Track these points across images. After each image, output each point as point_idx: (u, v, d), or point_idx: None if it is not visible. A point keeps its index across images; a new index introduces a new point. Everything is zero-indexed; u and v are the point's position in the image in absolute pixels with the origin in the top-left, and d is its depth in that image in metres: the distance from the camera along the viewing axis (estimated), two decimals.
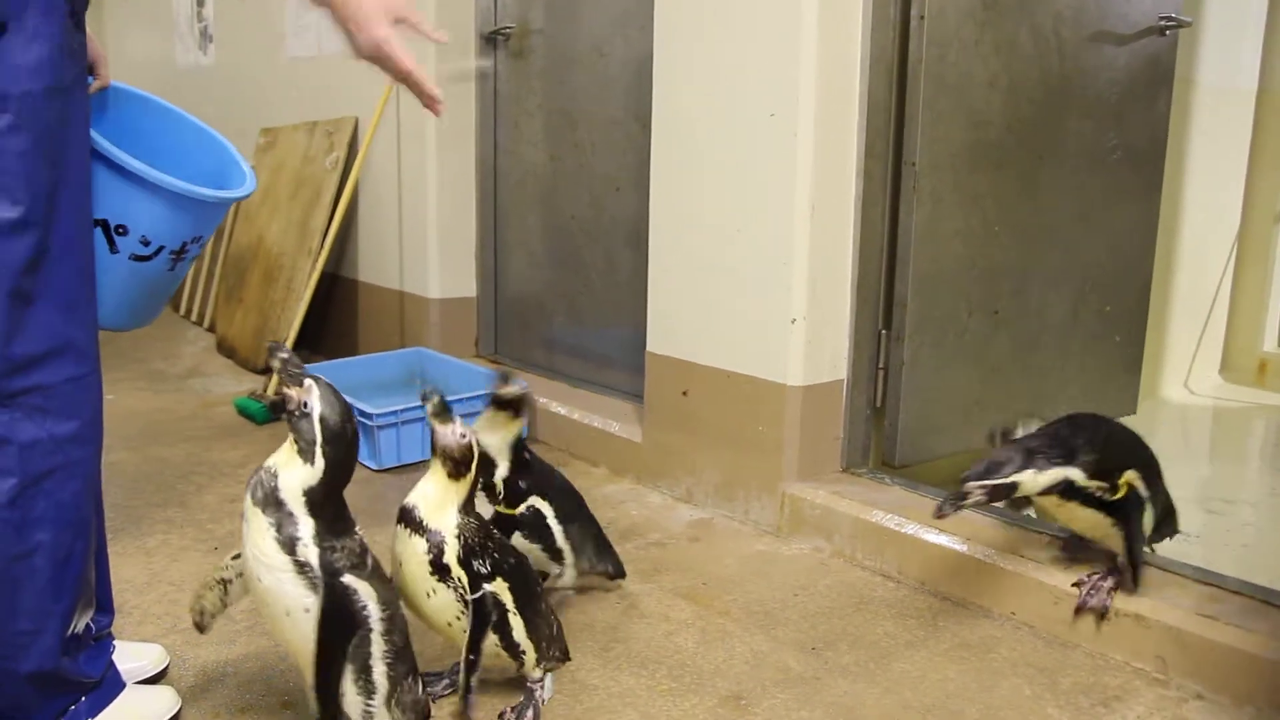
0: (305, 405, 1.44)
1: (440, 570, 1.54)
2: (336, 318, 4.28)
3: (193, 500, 2.61)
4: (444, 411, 1.58)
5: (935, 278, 2.49)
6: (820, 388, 2.45)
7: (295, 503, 1.41)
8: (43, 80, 1.32)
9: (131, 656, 1.70)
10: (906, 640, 1.95)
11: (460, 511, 1.58)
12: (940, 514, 1.78)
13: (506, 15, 3.53)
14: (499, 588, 1.59)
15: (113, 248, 1.67)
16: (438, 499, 1.57)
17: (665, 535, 2.44)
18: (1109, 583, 1.90)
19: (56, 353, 1.39)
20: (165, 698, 1.66)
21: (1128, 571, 1.90)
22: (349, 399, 2.95)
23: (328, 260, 3.83)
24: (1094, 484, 1.84)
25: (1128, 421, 2.06)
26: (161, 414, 3.46)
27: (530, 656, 1.65)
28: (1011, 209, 2.60)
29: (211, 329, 4.77)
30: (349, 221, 4.09)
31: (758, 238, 2.43)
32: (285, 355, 1.46)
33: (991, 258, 2.58)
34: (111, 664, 1.58)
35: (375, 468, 2.89)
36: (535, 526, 1.92)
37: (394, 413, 2.88)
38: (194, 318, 5.21)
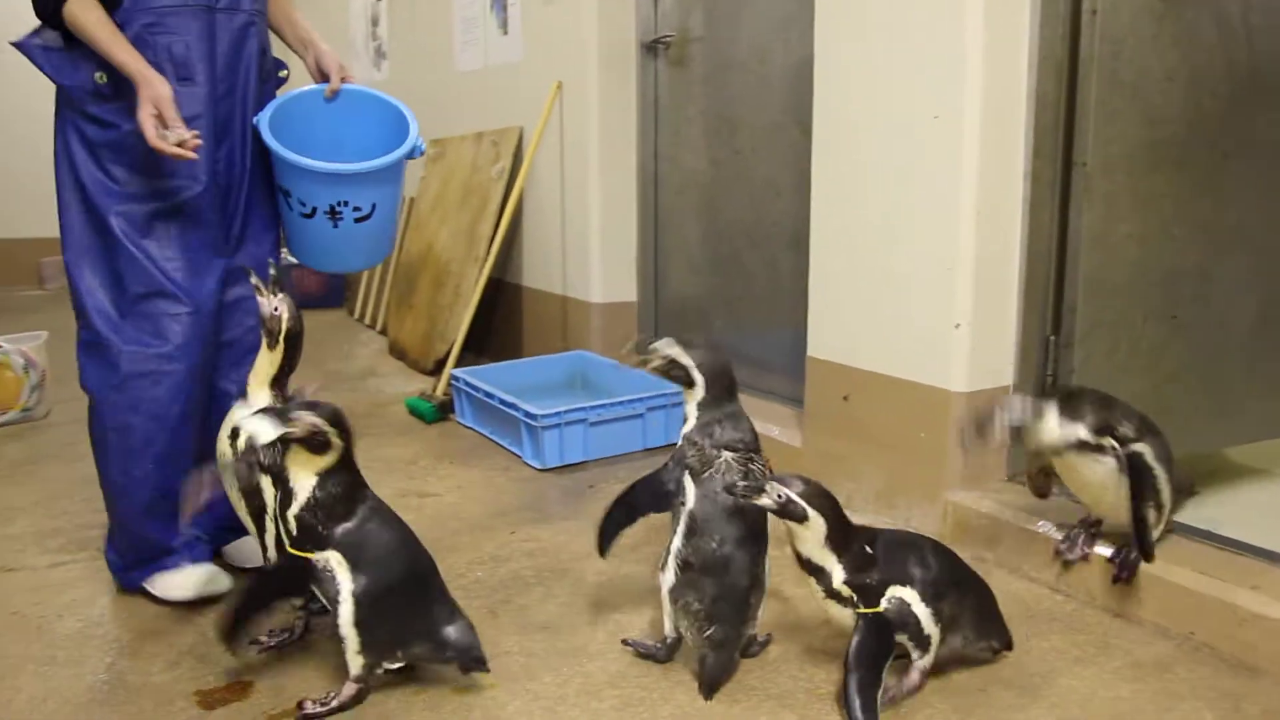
0: None
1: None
2: (502, 322, 4.42)
3: None
4: (270, 285, 1.91)
5: (1107, 282, 2.40)
6: (985, 394, 2.40)
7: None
8: None
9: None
10: (1075, 656, 1.89)
11: (271, 387, 1.90)
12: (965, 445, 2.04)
13: (667, 24, 3.58)
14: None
15: (289, 207, 2.15)
16: (262, 372, 1.92)
17: None
18: (1083, 538, 2.11)
19: (157, 294, 2.02)
20: (218, 577, 2.15)
21: (1133, 546, 1.98)
22: (513, 399, 3.05)
23: (494, 266, 3.96)
24: (1103, 440, 1.96)
25: None
26: None
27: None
28: (1192, 210, 2.47)
29: (384, 332, 4.99)
30: (514, 228, 4.22)
31: (921, 241, 2.40)
32: None
33: (1169, 261, 2.47)
34: (190, 545, 2.17)
35: (539, 467, 2.97)
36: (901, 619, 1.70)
37: (558, 414, 2.96)
38: (368, 321, 5.47)
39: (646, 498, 1.85)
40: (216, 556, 2.28)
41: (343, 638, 1.70)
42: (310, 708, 1.72)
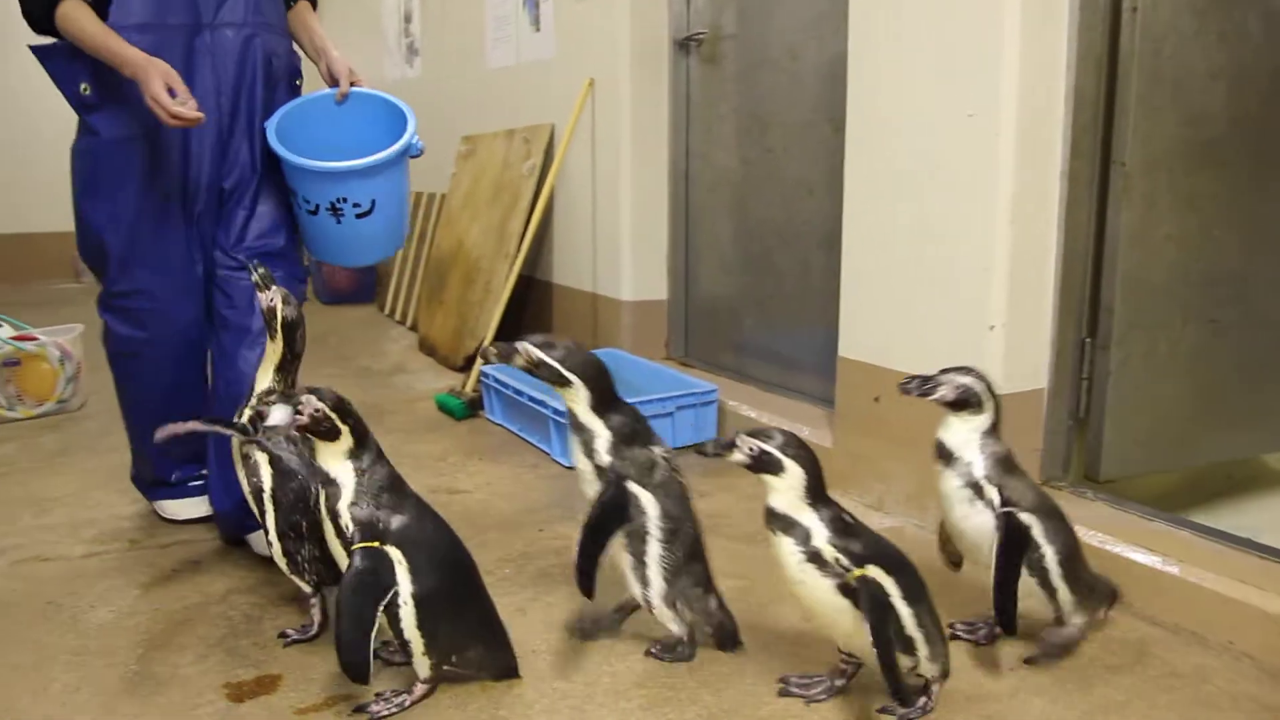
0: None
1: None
2: (532, 319, 4.43)
3: None
4: (265, 281, 2.00)
5: (1145, 284, 2.37)
6: (1019, 396, 2.37)
7: None
8: None
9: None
10: (1110, 664, 1.86)
11: (276, 373, 2.00)
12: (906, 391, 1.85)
13: (699, 21, 3.57)
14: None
15: (298, 205, 2.31)
16: (268, 360, 2.02)
17: None
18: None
19: (137, 293, 2.26)
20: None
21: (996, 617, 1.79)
22: (541, 397, 3.05)
23: (524, 263, 3.97)
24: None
25: None
26: (368, 409, 3.62)
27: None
28: (1235, 211, 2.43)
29: (414, 329, 5.01)
30: (545, 225, 4.22)
31: (955, 241, 2.37)
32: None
33: (1210, 263, 2.43)
34: (191, 480, 2.53)
35: (568, 465, 2.97)
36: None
37: None
38: (398, 317, 5.49)
39: (613, 521, 1.79)
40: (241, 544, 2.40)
41: (407, 641, 1.67)
42: (380, 709, 1.70)
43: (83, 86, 2.15)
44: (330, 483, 1.68)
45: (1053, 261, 2.36)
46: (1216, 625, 1.92)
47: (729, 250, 3.56)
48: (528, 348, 1.83)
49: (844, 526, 1.61)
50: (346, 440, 1.69)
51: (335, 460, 1.68)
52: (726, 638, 1.89)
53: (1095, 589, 1.90)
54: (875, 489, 2.63)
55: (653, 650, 1.89)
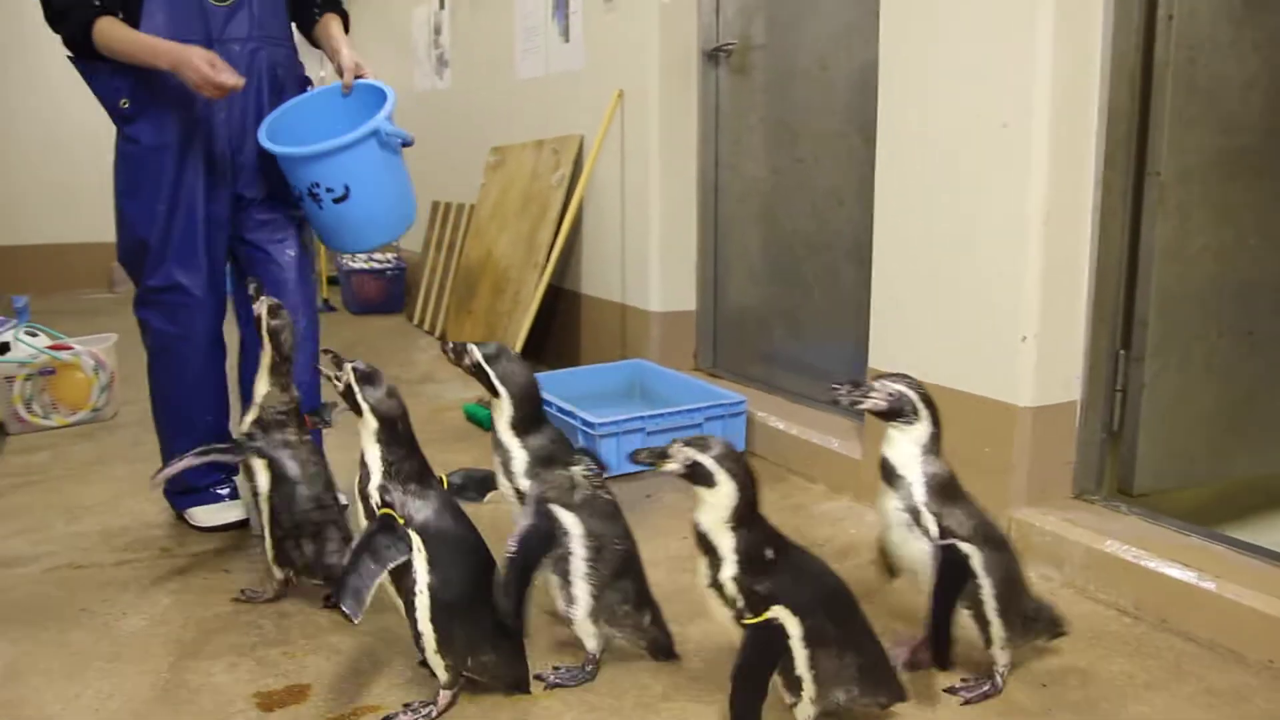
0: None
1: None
2: (560, 329, 4.43)
3: None
4: (256, 293, 2.22)
5: (1180, 295, 2.34)
6: (1052, 409, 2.35)
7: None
8: None
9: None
10: (1144, 681, 1.84)
11: (270, 374, 2.18)
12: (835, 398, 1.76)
13: (729, 31, 3.57)
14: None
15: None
16: (263, 363, 2.19)
17: None
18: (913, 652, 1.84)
19: (171, 288, 2.44)
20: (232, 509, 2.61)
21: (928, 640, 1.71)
22: (571, 408, 3.05)
23: (553, 273, 3.97)
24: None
25: None
26: None
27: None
28: (1271, 221, 2.40)
29: (443, 338, 5.03)
30: (573, 236, 4.22)
31: (987, 252, 2.35)
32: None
33: (1246, 274, 2.40)
34: (217, 486, 2.63)
35: None
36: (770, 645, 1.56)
37: (615, 422, 2.95)
38: (426, 327, 5.52)
39: (539, 551, 1.75)
40: None
41: (419, 634, 1.67)
42: (406, 718, 1.71)
43: (123, 101, 2.35)
44: (362, 465, 1.72)
45: (1086, 272, 2.34)
46: (1255, 643, 1.89)
47: (758, 261, 3.55)
48: (474, 352, 1.87)
49: (757, 562, 1.53)
50: (371, 422, 1.71)
51: (367, 444, 1.73)
52: (659, 650, 1.90)
53: (1038, 617, 1.82)
54: None
55: (549, 679, 1.83)
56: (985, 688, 1.78)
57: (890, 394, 1.72)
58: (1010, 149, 2.27)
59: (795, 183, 3.32)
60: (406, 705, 1.74)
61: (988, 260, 2.36)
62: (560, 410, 3.13)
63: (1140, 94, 2.28)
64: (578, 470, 1.82)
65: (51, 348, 3.62)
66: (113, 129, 2.43)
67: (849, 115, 3.04)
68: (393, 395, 1.76)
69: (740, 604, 1.53)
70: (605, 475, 1.87)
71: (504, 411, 1.84)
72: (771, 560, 1.54)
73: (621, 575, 1.82)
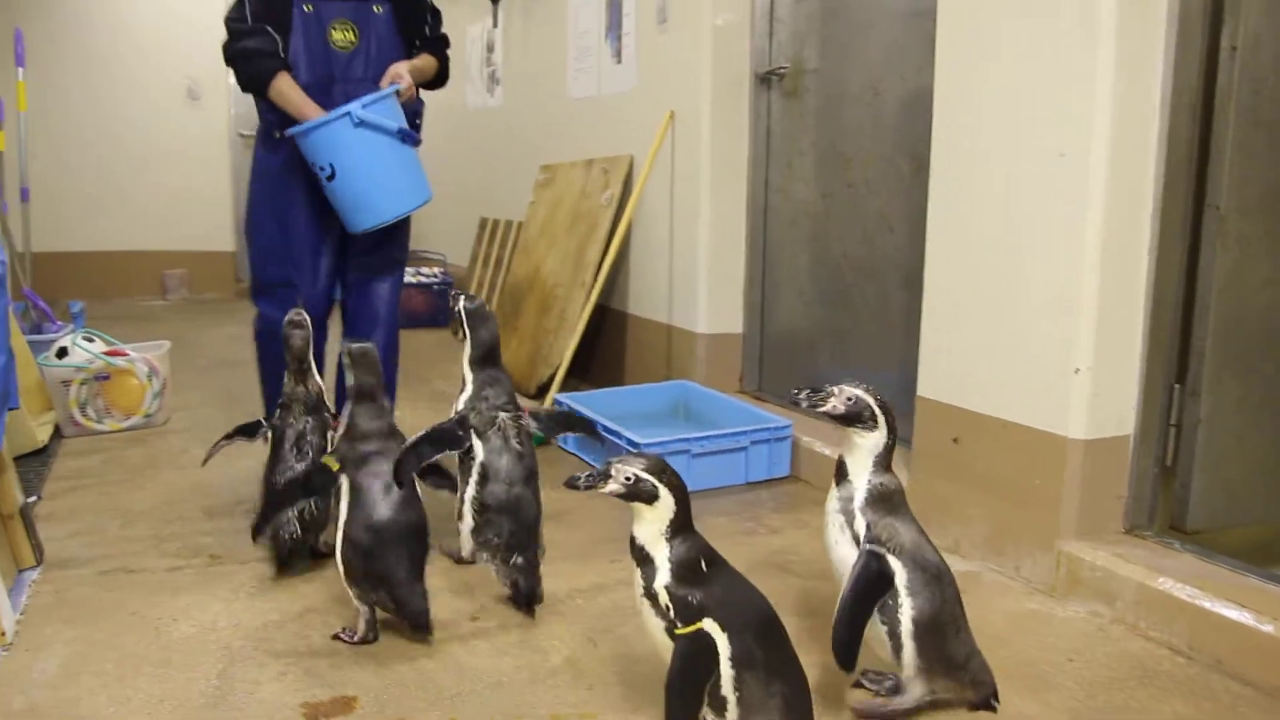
0: None
1: None
2: (606, 348, 4.44)
3: None
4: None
5: (1238, 329, 2.31)
6: (1104, 442, 2.32)
7: None
8: None
9: None
10: None
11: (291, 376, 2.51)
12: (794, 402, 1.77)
13: (781, 55, 3.58)
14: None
15: None
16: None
17: None
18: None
19: (283, 285, 2.88)
20: None
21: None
22: (615, 427, 3.06)
23: (600, 292, 3.99)
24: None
25: None
26: None
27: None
28: None
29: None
30: (621, 256, 4.24)
31: (1041, 282, 2.34)
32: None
33: None
34: None
35: None
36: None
37: (661, 444, 2.95)
38: None
39: (440, 442, 2.20)
40: None
41: (334, 550, 2.06)
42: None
43: (275, 132, 2.83)
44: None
45: (1142, 304, 2.31)
46: None
47: (806, 284, 3.54)
48: (460, 301, 2.42)
49: (690, 573, 1.56)
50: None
51: None
52: (519, 597, 2.19)
53: (965, 666, 1.76)
54: (951, 531, 2.59)
55: (448, 551, 2.42)
56: (886, 709, 1.76)
57: (849, 399, 1.74)
58: (1067, 178, 2.26)
59: (845, 207, 3.31)
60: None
61: (1042, 290, 2.34)
62: (605, 429, 3.14)
63: (1201, 126, 2.26)
64: (505, 416, 2.26)
65: (107, 353, 3.68)
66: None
67: (900, 141, 3.04)
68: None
69: (672, 614, 1.55)
70: (526, 426, 2.31)
71: (465, 349, 2.37)
72: (704, 572, 1.57)
73: (502, 513, 2.19)
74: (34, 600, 2.24)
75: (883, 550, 1.70)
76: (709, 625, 1.53)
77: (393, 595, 2.02)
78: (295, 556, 2.41)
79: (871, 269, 3.22)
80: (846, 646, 1.68)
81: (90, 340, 3.71)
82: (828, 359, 3.45)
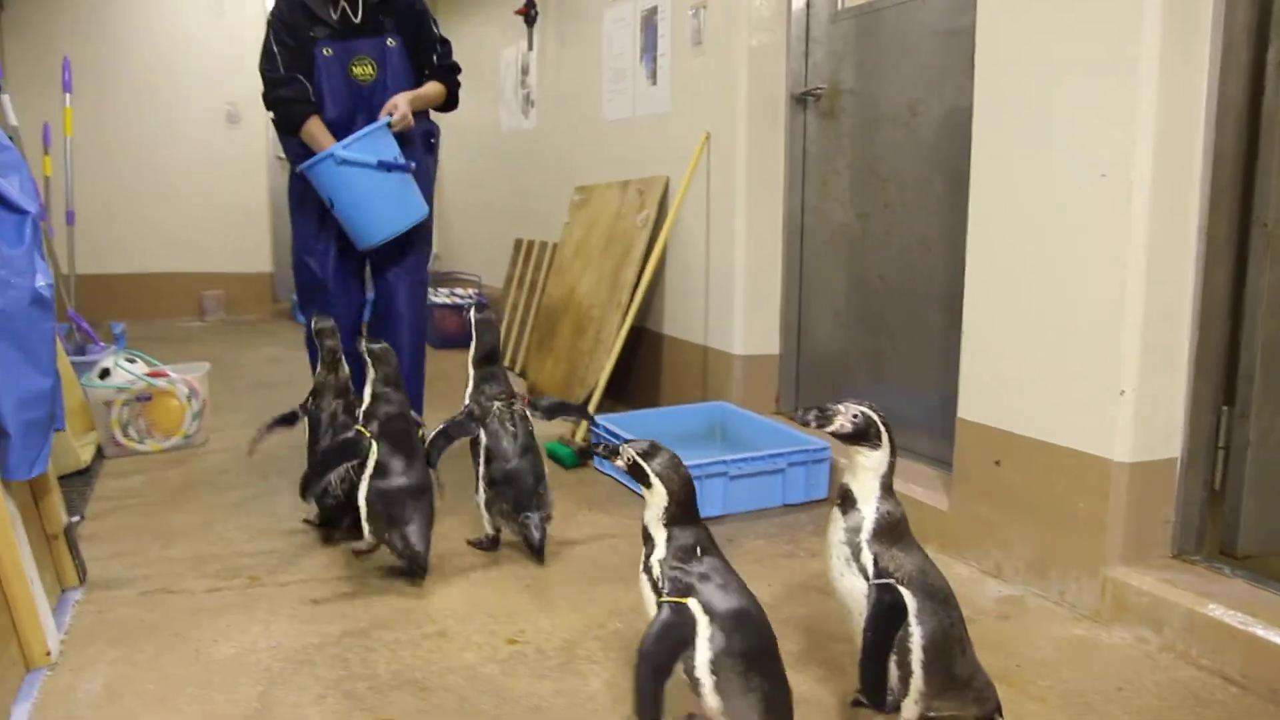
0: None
1: None
2: (641, 369, 4.44)
3: (504, 538, 2.77)
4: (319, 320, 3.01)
5: None
6: (1150, 465, 2.28)
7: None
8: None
9: None
10: None
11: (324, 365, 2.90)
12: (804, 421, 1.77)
13: (817, 76, 3.57)
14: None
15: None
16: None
17: (973, 610, 2.34)
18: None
19: (317, 288, 3.33)
20: None
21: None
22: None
23: (636, 313, 3.98)
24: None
25: None
26: None
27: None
28: None
29: (523, 375, 5.06)
30: (657, 277, 4.24)
31: (1085, 303, 2.31)
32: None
33: None
34: None
35: None
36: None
37: (698, 466, 2.93)
38: (507, 364, 5.56)
39: (456, 434, 2.63)
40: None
41: (357, 506, 2.48)
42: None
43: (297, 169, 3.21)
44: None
45: (1188, 325, 2.28)
46: None
47: (843, 306, 3.52)
48: (470, 311, 2.77)
49: (686, 556, 1.65)
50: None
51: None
52: (532, 548, 2.61)
53: (969, 684, 1.73)
54: (993, 555, 2.55)
55: (472, 540, 2.74)
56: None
57: (854, 415, 1.74)
58: (1110, 199, 2.23)
59: (882, 228, 3.30)
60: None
61: (1085, 311, 2.31)
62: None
63: (1247, 142, 2.23)
64: (498, 404, 2.64)
65: (148, 375, 3.72)
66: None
67: (938, 161, 3.02)
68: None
69: (662, 584, 1.63)
70: (519, 411, 2.67)
71: (470, 351, 2.74)
72: (699, 559, 1.65)
73: (506, 484, 2.59)
74: (77, 620, 2.26)
75: (893, 582, 1.69)
76: (693, 605, 1.60)
77: (403, 535, 2.45)
78: (341, 513, 2.74)
79: (908, 289, 3.19)
80: (875, 685, 1.68)
81: (132, 361, 3.76)
82: (865, 380, 3.43)
